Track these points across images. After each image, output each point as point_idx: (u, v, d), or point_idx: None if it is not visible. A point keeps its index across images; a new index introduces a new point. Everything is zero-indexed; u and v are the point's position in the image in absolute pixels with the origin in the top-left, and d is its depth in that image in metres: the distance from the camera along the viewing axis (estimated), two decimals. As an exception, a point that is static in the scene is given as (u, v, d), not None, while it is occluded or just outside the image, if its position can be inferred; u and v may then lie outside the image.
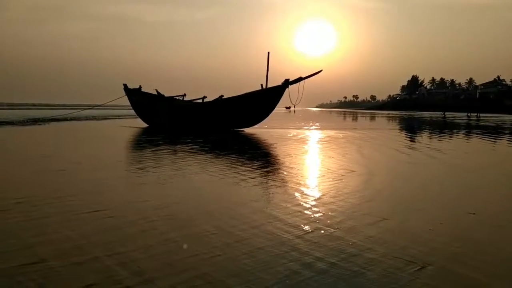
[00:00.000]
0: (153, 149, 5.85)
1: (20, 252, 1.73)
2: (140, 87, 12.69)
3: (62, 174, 3.59)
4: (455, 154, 6.27)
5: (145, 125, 11.79)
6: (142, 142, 7.45)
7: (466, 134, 11.19)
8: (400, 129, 13.56)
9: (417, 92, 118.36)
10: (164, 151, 5.71)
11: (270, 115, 10.70)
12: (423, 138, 9.76)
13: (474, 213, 2.49)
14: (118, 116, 19.08)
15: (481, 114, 34.67)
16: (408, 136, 10.27)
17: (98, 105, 15.81)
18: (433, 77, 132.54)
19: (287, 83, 9.88)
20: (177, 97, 12.76)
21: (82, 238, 1.90)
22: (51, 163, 4.38)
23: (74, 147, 6.23)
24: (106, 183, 3.31)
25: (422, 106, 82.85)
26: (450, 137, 10.21)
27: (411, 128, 14.92)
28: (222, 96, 11.18)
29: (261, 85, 10.09)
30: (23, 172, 3.79)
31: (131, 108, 12.88)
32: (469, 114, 34.32)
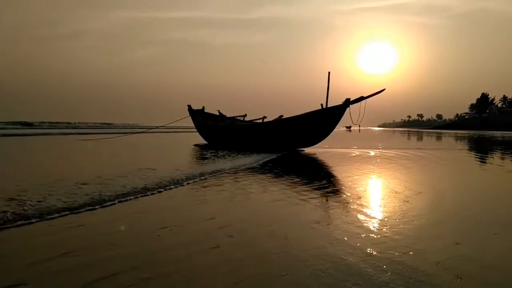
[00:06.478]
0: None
1: (90, 267, 1.82)
2: (203, 108, 13.15)
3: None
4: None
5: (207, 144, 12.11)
6: (207, 158, 7.64)
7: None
8: (469, 149, 12.83)
9: (487, 111, 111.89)
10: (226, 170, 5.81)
11: (331, 134, 10.58)
12: (495, 159, 9.15)
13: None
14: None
15: None
16: (479, 157, 9.68)
17: (160, 126, 16.55)
18: (504, 95, 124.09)
19: (348, 102, 9.73)
20: (238, 117, 13.07)
21: (150, 254, 1.99)
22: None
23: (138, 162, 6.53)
24: (172, 199, 3.44)
25: (493, 125, 78.03)
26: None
27: (482, 149, 14.06)
28: (282, 116, 11.24)
29: (321, 104, 10.02)
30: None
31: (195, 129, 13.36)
32: None
